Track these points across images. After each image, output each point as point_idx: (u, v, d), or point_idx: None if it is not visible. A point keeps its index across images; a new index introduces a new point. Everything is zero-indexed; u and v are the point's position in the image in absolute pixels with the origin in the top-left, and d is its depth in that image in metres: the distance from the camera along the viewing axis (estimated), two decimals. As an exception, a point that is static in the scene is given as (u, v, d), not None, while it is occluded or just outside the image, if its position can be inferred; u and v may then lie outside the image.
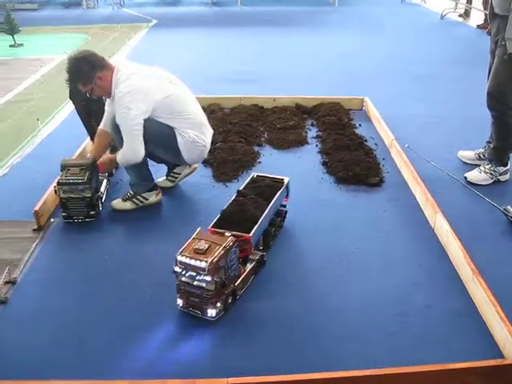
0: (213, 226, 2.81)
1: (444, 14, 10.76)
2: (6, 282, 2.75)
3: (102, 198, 3.50)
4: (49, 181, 3.54)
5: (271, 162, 4.18)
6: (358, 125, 4.86)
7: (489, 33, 3.66)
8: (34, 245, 3.11)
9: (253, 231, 2.74)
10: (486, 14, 8.88)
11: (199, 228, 2.63)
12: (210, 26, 10.32)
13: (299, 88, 5.85)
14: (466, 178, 3.75)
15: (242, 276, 2.64)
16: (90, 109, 3.78)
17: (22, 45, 8.91)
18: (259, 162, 4.17)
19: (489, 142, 3.83)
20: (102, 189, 3.55)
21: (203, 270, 2.36)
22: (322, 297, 2.66)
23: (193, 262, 2.38)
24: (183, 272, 2.43)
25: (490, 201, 3.36)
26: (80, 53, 3.29)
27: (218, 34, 9.60)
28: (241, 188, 3.18)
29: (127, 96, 3.19)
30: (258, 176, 3.36)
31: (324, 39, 8.94)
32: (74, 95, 3.70)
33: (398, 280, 2.77)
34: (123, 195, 3.52)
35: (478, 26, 9.48)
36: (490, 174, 3.70)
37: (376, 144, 4.43)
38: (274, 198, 3.05)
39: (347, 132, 4.58)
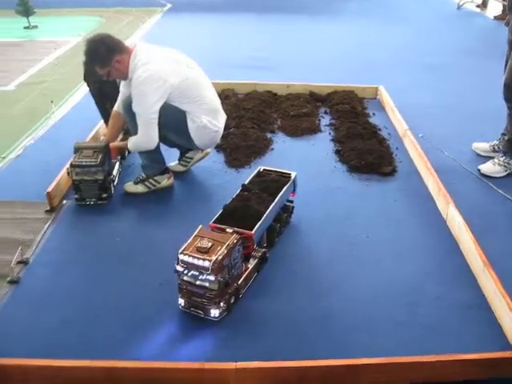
0: (215, 222, 2.71)
1: (461, 4, 10.64)
2: (19, 262, 2.77)
3: (114, 180, 3.51)
4: (62, 163, 3.56)
5: (284, 149, 4.17)
6: (371, 114, 4.84)
7: (507, 24, 3.62)
8: (46, 226, 3.13)
9: (255, 228, 2.63)
10: (504, 5, 8.79)
11: (200, 225, 2.54)
12: (224, 12, 10.27)
13: (313, 75, 5.82)
14: (479, 169, 3.72)
15: (245, 274, 2.56)
16: (104, 91, 3.78)
17: (36, 27, 8.91)
18: (272, 149, 4.17)
19: (503, 134, 3.80)
20: (115, 172, 3.56)
21: (206, 269, 2.28)
22: (331, 287, 2.66)
23: (196, 261, 2.31)
24: (185, 271, 2.35)
25: (504, 193, 3.34)
26: (98, 35, 3.27)
27: (232, 19, 9.55)
28: (246, 182, 3.08)
29: (145, 83, 3.18)
30: (264, 170, 3.25)
31: (340, 27, 8.88)
32: (88, 77, 3.71)
33: (408, 270, 2.77)
34: (135, 178, 3.53)
35: (495, 17, 9.37)
36: (504, 166, 3.66)
37: (389, 133, 4.41)
38: (280, 194, 2.94)
39: (361, 121, 4.55)
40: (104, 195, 3.34)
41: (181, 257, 2.34)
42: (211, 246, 2.34)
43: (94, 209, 3.32)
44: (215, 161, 3.96)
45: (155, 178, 3.50)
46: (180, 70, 3.32)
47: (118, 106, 3.57)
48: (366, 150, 3.92)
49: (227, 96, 5.12)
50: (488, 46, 7.35)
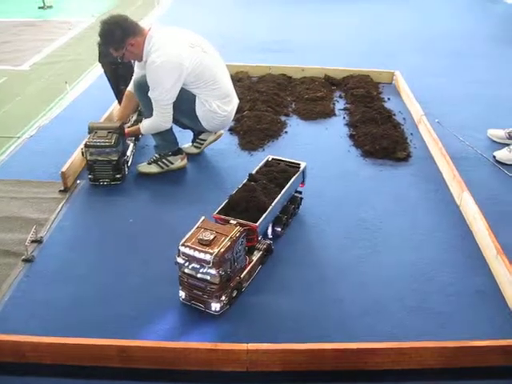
0: (219, 212, 2.65)
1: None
2: (33, 241, 2.79)
3: (128, 161, 3.52)
4: (76, 143, 3.56)
5: (297, 133, 4.16)
6: (386, 98, 4.80)
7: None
8: (60, 205, 3.15)
9: (260, 221, 2.56)
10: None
11: (203, 217, 2.48)
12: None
13: (329, 59, 5.77)
14: (494, 156, 3.69)
15: (249, 267, 2.50)
16: (118, 72, 3.78)
17: (51, 7, 8.89)
18: (285, 132, 4.15)
19: (520, 121, 3.77)
20: (129, 153, 3.57)
21: (207, 262, 2.21)
22: (343, 270, 2.66)
23: (197, 254, 2.23)
24: (186, 264, 2.29)
25: (519, 180, 3.32)
26: (113, 17, 3.25)
27: (247, 2, 9.47)
28: (253, 172, 3.00)
29: (160, 68, 3.17)
30: (273, 159, 3.17)
31: (358, 11, 8.77)
32: (103, 58, 3.70)
33: (421, 256, 2.76)
34: (149, 159, 3.54)
35: (516, 3, 9.24)
36: (520, 153, 3.64)
37: (404, 118, 4.38)
38: (287, 185, 2.87)
39: (375, 105, 4.52)
40: (118, 176, 3.35)
41: (182, 249, 2.28)
42: (213, 238, 2.27)
43: (108, 189, 3.34)
44: (228, 143, 3.95)
45: (168, 158, 3.51)
46: (195, 54, 3.30)
47: (131, 87, 3.57)
48: (381, 134, 3.90)
49: (241, 78, 5.11)
50: (507, 32, 7.26)
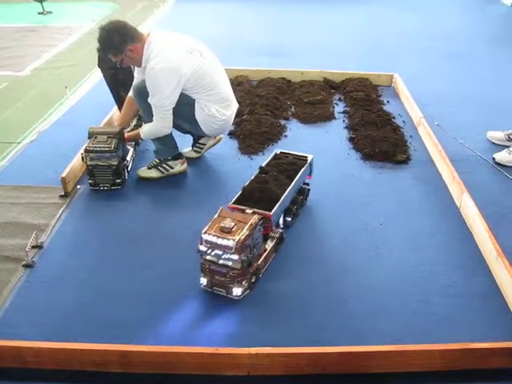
0: (234, 203, 2.76)
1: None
2: (33, 247, 2.79)
3: (128, 166, 3.53)
4: (76, 148, 3.57)
5: (297, 136, 4.17)
6: (386, 101, 4.81)
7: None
8: (60, 211, 3.15)
9: (274, 209, 2.68)
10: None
11: (221, 207, 2.57)
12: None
13: (328, 62, 5.78)
14: (494, 158, 3.69)
15: (264, 255, 2.61)
16: (118, 77, 3.80)
17: (50, 12, 8.91)
18: (285, 136, 4.16)
19: (519, 123, 3.77)
20: (129, 157, 3.57)
21: (230, 248, 2.31)
22: (344, 272, 2.66)
23: (219, 241, 2.33)
24: (208, 251, 2.38)
25: (519, 182, 3.32)
26: (112, 23, 3.25)
27: (247, 6, 9.48)
28: (263, 164, 3.12)
29: (159, 75, 3.17)
30: (281, 153, 3.29)
31: (355, 14, 8.80)
32: (102, 63, 3.71)
33: (421, 258, 2.76)
34: (149, 163, 3.55)
35: (513, 4, 9.26)
36: (520, 155, 3.64)
37: (404, 121, 4.39)
38: (297, 177, 2.99)
39: (375, 108, 4.53)
40: (118, 180, 3.35)
41: (204, 236, 2.37)
42: (234, 225, 2.37)
43: (108, 194, 3.34)
44: (229, 147, 3.96)
45: (168, 162, 3.51)
46: (193, 59, 3.30)
47: (131, 92, 3.57)
48: (380, 137, 3.90)
49: (240, 83, 5.11)
50: (505, 33, 7.28)
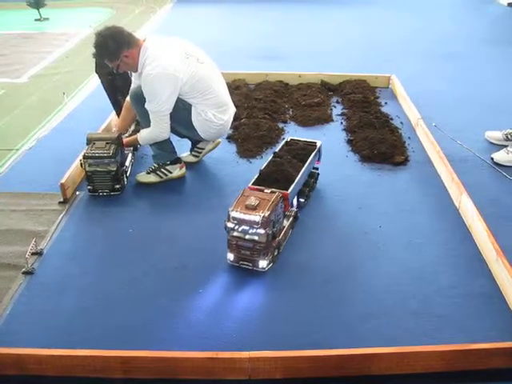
0: (253, 184, 2.94)
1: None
2: (33, 253, 2.79)
3: (127, 172, 3.53)
4: (75, 154, 3.58)
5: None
6: (383, 103, 4.82)
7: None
8: (59, 217, 3.15)
9: (290, 188, 2.88)
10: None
11: (245, 188, 2.77)
12: (235, 2, 10.21)
13: (325, 65, 5.80)
14: (492, 158, 3.70)
15: (284, 230, 2.80)
16: (115, 83, 3.80)
17: (47, 19, 8.94)
18: (283, 139, 4.14)
19: (517, 123, 3.78)
20: (127, 163, 3.57)
21: (257, 223, 2.50)
22: (345, 273, 2.66)
23: (246, 217, 2.52)
24: (236, 227, 2.56)
25: (517, 182, 3.32)
26: (107, 29, 3.26)
27: (243, 9, 9.52)
28: (277, 150, 3.32)
29: (155, 80, 3.17)
30: (291, 139, 3.50)
31: (351, 15, 8.83)
32: (99, 69, 3.72)
33: (421, 259, 2.76)
34: (147, 168, 3.55)
35: (509, 4, 9.26)
36: (518, 154, 3.64)
37: (402, 122, 4.39)
38: (309, 160, 3.21)
39: (373, 110, 4.54)
40: (117, 186, 3.36)
41: (232, 214, 2.55)
42: (258, 203, 2.56)
43: (107, 200, 3.34)
44: (227, 151, 3.96)
45: (167, 167, 3.51)
46: (190, 64, 3.30)
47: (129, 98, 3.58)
48: (378, 139, 3.91)
49: (238, 86, 5.12)
50: (502, 33, 7.29)
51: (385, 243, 2.89)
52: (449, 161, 3.49)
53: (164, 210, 3.28)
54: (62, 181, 3.28)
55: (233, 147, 4.02)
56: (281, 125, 4.40)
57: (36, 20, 8.85)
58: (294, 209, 3.01)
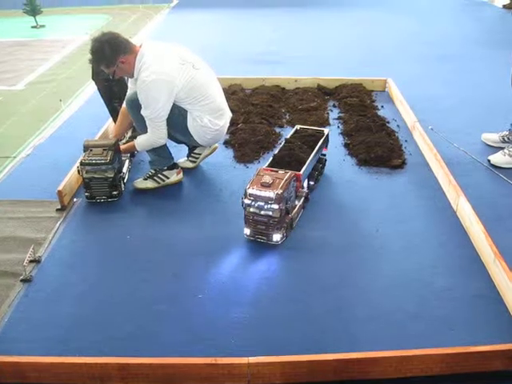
0: (268, 166, 3.15)
1: (469, -7, 10.56)
2: (31, 261, 2.79)
3: (124, 178, 3.53)
4: (72, 161, 3.58)
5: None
6: (380, 106, 4.83)
7: (513, 12, 3.58)
8: (57, 224, 3.15)
9: (303, 169, 3.12)
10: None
11: (260, 167, 3.06)
12: (231, 7, 10.26)
13: (322, 69, 5.82)
14: (489, 160, 3.70)
15: (296, 209, 3.03)
16: (111, 89, 3.80)
17: (43, 26, 8.95)
18: (280, 143, 4.15)
19: (513, 125, 3.78)
20: (125, 169, 3.57)
21: (271, 199, 2.74)
22: (342, 277, 2.66)
23: (262, 194, 2.76)
24: (252, 203, 2.80)
25: (514, 184, 3.33)
26: (103, 35, 3.26)
27: (239, 14, 9.55)
28: (288, 137, 3.61)
29: (151, 87, 3.18)
30: (301, 128, 3.77)
31: (347, 20, 8.85)
32: (96, 76, 3.72)
33: (419, 262, 2.76)
34: (144, 174, 3.55)
35: (504, 6, 9.29)
36: (515, 156, 3.65)
37: (398, 126, 4.40)
38: (318, 145, 3.45)
39: (369, 113, 4.54)
40: (114, 193, 3.35)
41: (249, 191, 2.80)
42: (272, 181, 2.80)
43: (105, 206, 3.34)
44: (224, 156, 3.96)
45: (164, 173, 3.51)
46: (185, 70, 3.30)
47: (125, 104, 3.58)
48: (375, 142, 3.91)
49: (235, 91, 5.12)
50: (497, 35, 7.31)
51: (382, 246, 2.89)
52: (446, 163, 3.50)
53: (161, 215, 3.27)
54: (60, 188, 3.28)
55: (230, 152, 4.03)
56: (278, 129, 4.40)
57: (32, 27, 8.87)
58: (305, 190, 3.21)
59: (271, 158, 3.28)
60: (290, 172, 2.92)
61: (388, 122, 4.41)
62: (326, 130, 3.68)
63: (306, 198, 3.20)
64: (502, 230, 2.94)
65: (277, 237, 2.86)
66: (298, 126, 3.79)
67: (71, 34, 8.26)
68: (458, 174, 3.40)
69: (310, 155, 3.30)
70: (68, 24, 9.37)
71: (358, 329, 2.34)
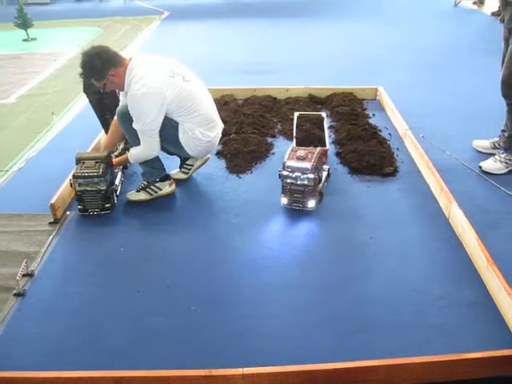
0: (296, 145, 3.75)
1: (458, 1, 10.63)
2: (24, 275, 2.78)
3: (116, 190, 3.52)
4: (64, 174, 3.57)
5: (285, 153, 4.16)
6: (371, 115, 4.84)
7: (502, 20, 3.61)
8: (50, 237, 3.14)
9: (327, 145, 3.81)
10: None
11: (292, 144, 3.71)
12: (221, 18, 10.31)
13: (313, 78, 5.83)
14: (480, 167, 3.72)
15: (323, 180, 3.43)
16: (103, 102, 3.80)
17: (35, 39, 8.95)
18: (273, 153, 4.17)
19: (503, 131, 3.80)
20: (117, 181, 3.57)
21: (307, 169, 3.16)
22: (335, 287, 2.67)
23: (299, 165, 3.19)
24: (290, 174, 3.20)
25: (506, 190, 3.34)
26: (93, 49, 3.26)
27: (229, 25, 9.59)
28: (294, 123, 4.25)
29: (141, 100, 3.18)
30: (300, 114, 4.43)
31: (337, 28, 8.90)
32: (87, 89, 3.72)
33: (412, 269, 2.77)
34: (137, 186, 3.55)
35: (493, 14, 9.35)
36: (506, 162, 3.66)
37: (390, 134, 4.42)
38: (325, 126, 4.19)
39: (361, 122, 4.56)
40: (107, 205, 3.35)
41: (287, 163, 3.22)
42: (305, 155, 3.24)
43: (98, 219, 3.34)
44: (216, 167, 3.97)
45: (156, 184, 3.52)
46: (176, 83, 3.30)
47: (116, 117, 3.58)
48: (367, 151, 3.92)
49: (226, 102, 5.13)
50: (486, 43, 7.35)
51: (375, 254, 2.90)
52: (437, 171, 3.51)
53: (155, 227, 3.27)
54: (52, 201, 3.28)
55: (222, 163, 4.03)
56: (270, 139, 4.41)
57: (24, 40, 8.87)
58: (327, 166, 3.62)
59: (294, 140, 3.96)
60: (319, 148, 3.37)
61: (380, 131, 4.43)
62: (323, 114, 4.39)
63: (328, 173, 3.60)
64: (494, 236, 2.95)
65: (312, 203, 3.24)
66: (296, 113, 4.43)
67: (63, 47, 8.26)
68: (449, 180, 3.41)
69: (322, 134, 3.99)
70: (59, 37, 9.38)
71: (349, 338, 2.34)
